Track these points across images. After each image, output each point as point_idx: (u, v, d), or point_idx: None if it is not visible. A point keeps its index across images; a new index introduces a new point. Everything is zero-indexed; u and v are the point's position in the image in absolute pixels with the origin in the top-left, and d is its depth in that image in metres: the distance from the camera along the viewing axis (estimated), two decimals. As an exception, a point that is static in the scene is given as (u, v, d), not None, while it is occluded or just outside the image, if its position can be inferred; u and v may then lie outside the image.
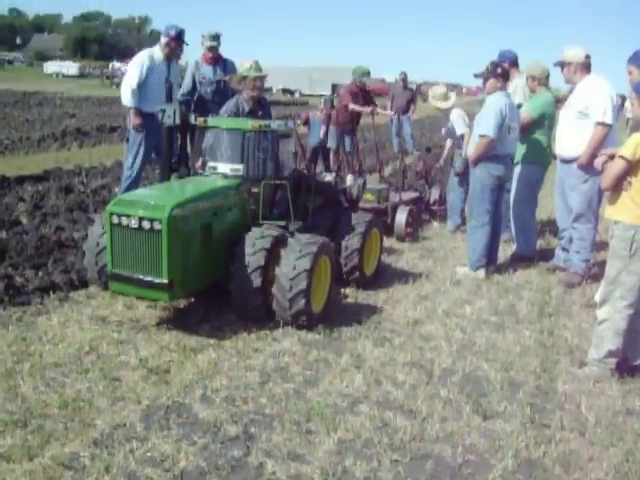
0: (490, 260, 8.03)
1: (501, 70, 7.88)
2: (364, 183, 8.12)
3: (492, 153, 7.71)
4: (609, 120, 7.28)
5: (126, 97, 8.50)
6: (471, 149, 7.96)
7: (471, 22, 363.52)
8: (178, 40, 8.83)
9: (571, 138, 7.60)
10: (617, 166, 5.14)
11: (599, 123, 7.30)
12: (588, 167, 7.23)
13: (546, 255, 8.74)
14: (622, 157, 5.08)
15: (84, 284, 6.76)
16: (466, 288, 7.47)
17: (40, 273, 7.04)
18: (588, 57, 7.66)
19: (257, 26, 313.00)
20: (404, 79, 18.46)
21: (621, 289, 5.21)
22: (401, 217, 9.31)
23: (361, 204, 8.21)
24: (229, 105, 7.46)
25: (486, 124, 7.65)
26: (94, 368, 5.01)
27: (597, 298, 5.93)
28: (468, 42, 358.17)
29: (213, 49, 9.28)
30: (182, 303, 6.39)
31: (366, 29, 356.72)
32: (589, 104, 7.42)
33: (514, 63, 9.06)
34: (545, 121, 8.42)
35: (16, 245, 7.84)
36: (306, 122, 12.57)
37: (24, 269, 7.12)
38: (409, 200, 10.08)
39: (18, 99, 34.50)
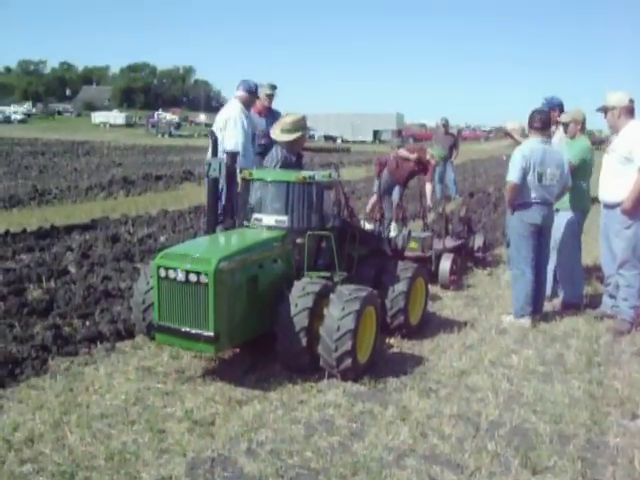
0: (536, 308, 7.93)
1: (531, 116, 7.86)
2: (409, 233, 8.11)
3: (524, 200, 7.69)
4: None
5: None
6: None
7: (511, 68, 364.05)
8: (256, 94, 9.13)
9: (615, 183, 7.53)
10: None
11: None
12: (632, 212, 7.17)
13: (593, 302, 8.60)
14: None
15: (130, 334, 6.84)
16: (512, 337, 7.37)
17: (87, 323, 7.17)
18: (632, 101, 7.63)
19: (297, 74, 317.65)
20: (445, 125, 18.49)
21: None
22: (445, 265, 9.25)
23: (405, 253, 8.20)
24: (276, 156, 7.45)
25: (510, 169, 7.74)
26: (140, 419, 5.05)
27: None
28: (508, 88, 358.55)
29: (271, 98, 9.50)
30: (227, 354, 6.40)
31: (406, 74, 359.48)
32: (632, 149, 7.37)
33: (561, 110, 8.98)
34: (586, 167, 8.38)
35: (64, 295, 7.98)
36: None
37: (72, 319, 7.25)
38: (453, 247, 10.04)
39: (67, 149, 35.46)
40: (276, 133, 7.43)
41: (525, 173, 7.60)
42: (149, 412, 5.17)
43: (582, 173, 8.37)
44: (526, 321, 7.77)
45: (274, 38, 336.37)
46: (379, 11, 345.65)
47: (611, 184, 7.63)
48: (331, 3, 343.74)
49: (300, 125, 7.36)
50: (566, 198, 8.40)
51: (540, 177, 7.64)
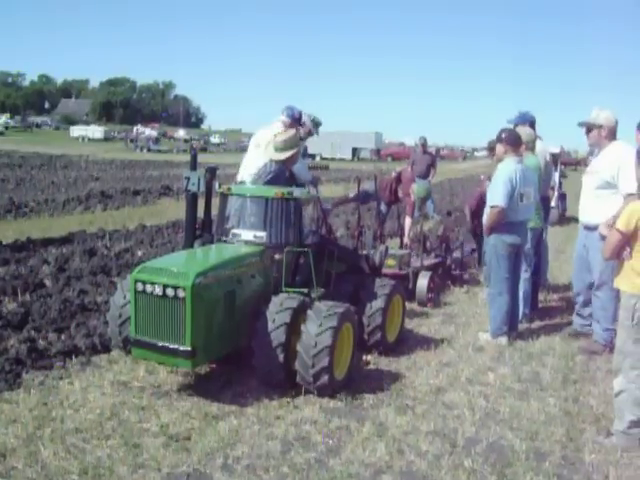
0: (512, 326, 7.98)
1: (506, 135, 7.84)
2: (386, 250, 8.14)
3: (506, 221, 7.64)
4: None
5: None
6: (484, 217, 7.96)
7: (489, 89, 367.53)
8: (299, 121, 9.11)
9: (596, 205, 7.51)
10: (613, 237, 5.21)
11: (630, 194, 7.02)
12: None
13: (567, 320, 8.66)
14: (616, 229, 5.15)
15: (106, 348, 6.79)
16: (489, 355, 7.40)
17: (63, 337, 7.10)
18: (616, 123, 7.61)
19: (276, 91, 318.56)
20: (424, 144, 18.50)
21: (630, 359, 5.18)
22: (423, 282, 9.29)
23: (383, 270, 8.22)
24: (269, 168, 7.44)
25: (496, 193, 7.59)
26: (115, 434, 5.00)
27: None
28: (486, 108, 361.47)
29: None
30: (204, 369, 6.38)
31: (385, 94, 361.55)
32: (616, 174, 7.33)
33: (532, 126, 8.92)
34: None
35: (39, 308, 7.91)
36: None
37: (47, 332, 7.18)
38: (430, 265, 10.07)
39: (44, 162, 35.27)
40: (270, 153, 7.43)
41: (511, 196, 7.56)
42: (124, 427, 5.13)
43: None
44: (503, 340, 7.81)
45: (254, 55, 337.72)
46: (359, 30, 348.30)
47: (591, 206, 7.60)
48: (310, 20, 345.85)
49: (293, 143, 7.37)
50: None
51: (521, 197, 7.67)
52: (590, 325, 7.85)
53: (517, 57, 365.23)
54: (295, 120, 9.01)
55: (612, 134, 7.57)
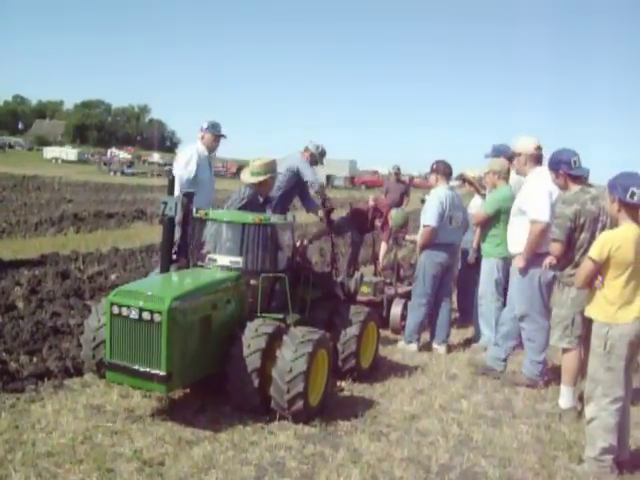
0: (440, 335, 8.81)
1: (436, 165, 8.84)
2: (361, 277, 8.20)
3: (437, 241, 8.53)
4: (545, 217, 7.03)
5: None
6: (418, 237, 8.79)
7: (463, 118, 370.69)
8: (220, 135, 9.19)
9: (511, 234, 7.60)
10: (586, 267, 5.33)
11: (533, 221, 7.13)
12: (525, 266, 7.24)
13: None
14: (589, 258, 5.26)
15: (79, 371, 6.74)
16: (462, 382, 7.46)
17: (35, 359, 7.03)
18: (539, 149, 7.49)
19: (250, 118, 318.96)
20: (397, 173, 18.65)
21: (602, 386, 5.25)
22: (396, 310, 9.35)
23: (357, 297, 8.26)
24: (243, 193, 7.50)
25: (429, 214, 8.54)
26: (88, 459, 4.95)
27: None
28: (460, 137, 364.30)
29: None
30: (178, 394, 6.34)
31: (359, 122, 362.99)
32: (523, 201, 7.36)
33: (509, 158, 8.87)
34: (501, 215, 8.46)
35: (11, 330, 7.83)
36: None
37: (19, 355, 7.10)
38: (404, 293, 10.12)
39: (17, 183, 34.89)
40: (246, 176, 7.52)
41: (441, 218, 8.46)
42: (97, 451, 5.08)
43: (498, 222, 8.53)
44: (413, 347, 8.65)
45: (230, 81, 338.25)
46: (332, 57, 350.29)
47: (509, 235, 7.68)
48: (286, 47, 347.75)
49: (269, 168, 7.52)
50: (485, 246, 8.75)
51: (450, 220, 8.50)
52: (504, 360, 7.73)
53: (492, 86, 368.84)
54: (219, 134, 9.04)
55: (533, 161, 7.47)
